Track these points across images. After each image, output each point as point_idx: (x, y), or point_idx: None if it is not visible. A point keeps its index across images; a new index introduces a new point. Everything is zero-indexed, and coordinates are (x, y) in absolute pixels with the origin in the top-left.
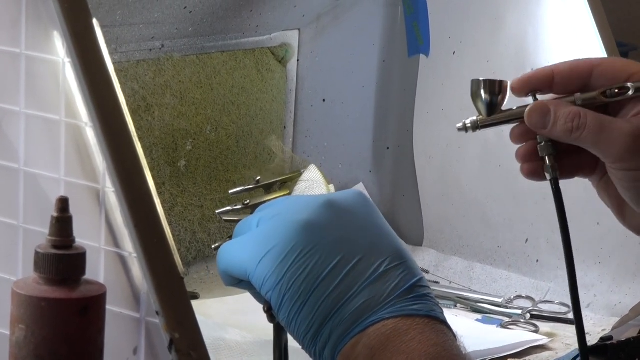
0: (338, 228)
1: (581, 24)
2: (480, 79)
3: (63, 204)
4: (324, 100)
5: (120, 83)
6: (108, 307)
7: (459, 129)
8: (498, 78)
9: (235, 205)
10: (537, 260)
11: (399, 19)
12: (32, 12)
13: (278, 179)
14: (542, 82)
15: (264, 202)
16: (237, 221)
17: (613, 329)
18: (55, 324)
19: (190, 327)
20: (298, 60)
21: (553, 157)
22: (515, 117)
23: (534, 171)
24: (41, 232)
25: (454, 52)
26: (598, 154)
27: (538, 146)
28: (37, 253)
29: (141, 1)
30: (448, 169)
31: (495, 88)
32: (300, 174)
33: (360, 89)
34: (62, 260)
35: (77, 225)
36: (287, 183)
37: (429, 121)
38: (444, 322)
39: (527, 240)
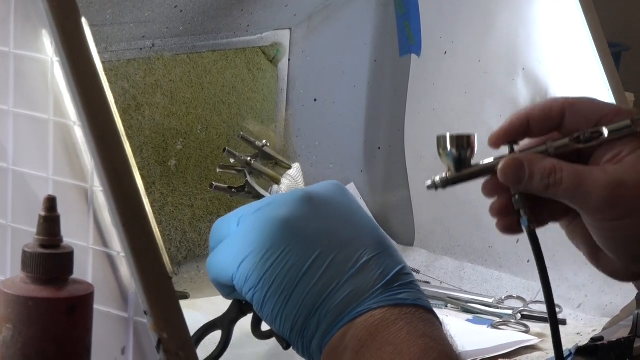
0: (317, 220)
1: (572, 24)
2: (447, 134)
3: (50, 203)
4: (315, 100)
5: (111, 82)
6: (96, 306)
7: (428, 187)
8: (465, 132)
9: (241, 156)
10: (528, 261)
11: (390, 19)
12: (21, 11)
13: (277, 156)
14: (519, 133)
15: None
16: (225, 189)
17: (604, 329)
18: (43, 324)
19: (178, 326)
20: (289, 60)
21: (529, 209)
22: (486, 171)
23: (510, 226)
24: (29, 232)
25: (446, 52)
26: (575, 207)
27: (512, 199)
28: (24, 252)
29: (132, 0)
30: (439, 169)
31: (463, 142)
32: (291, 167)
33: (352, 88)
34: (50, 259)
35: (66, 225)
36: (277, 167)
37: (421, 121)
38: (430, 311)
39: (518, 240)
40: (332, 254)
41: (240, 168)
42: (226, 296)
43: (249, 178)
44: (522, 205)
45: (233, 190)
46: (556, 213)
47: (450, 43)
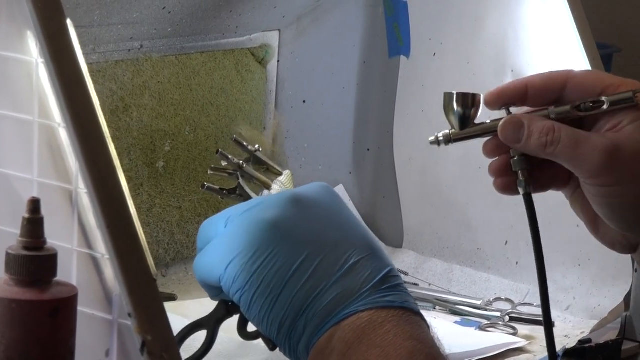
0: (305, 222)
1: (561, 26)
2: (453, 92)
3: (34, 205)
4: (304, 102)
5: (99, 83)
6: (80, 308)
7: (431, 142)
8: (472, 90)
9: (233, 159)
10: (517, 263)
11: (379, 20)
12: (5, 12)
13: (269, 162)
14: (515, 95)
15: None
16: (217, 190)
17: (592, 331)
18: (26, 326)
19: (162, 329)
20: (278, 61)
21: (526, 171)
22: (488, 130)
23: (507, 186)
24: (13, 233)
25: (435, 54)
26: (572, 169)
27: (511, 160)
28: (8, 254)
29: (119, 1)
30: (428, 171)
31: (468, 101)
32: (282, 174)
33: (341, 90)
34: (33, 261)
35: (50, 227)
36: (269, 173)
37: (410, 123)
38: (417, 313)
39: (506, 242)
40: (320, 256)
41: (232, 171)
42: (213, 297)
43: (241, 181)
44: (521, 167)
45: (224, 192)
46: (558, 180)
47: (439, 45)
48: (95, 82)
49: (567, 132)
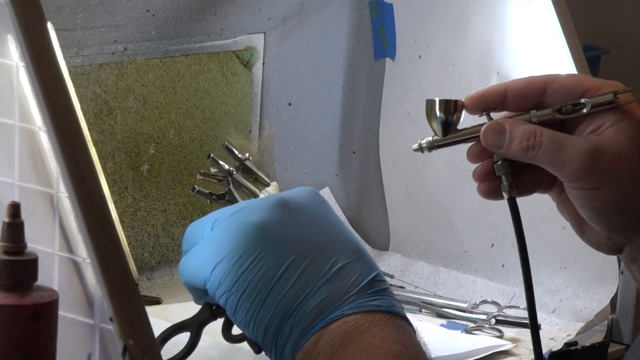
0: (292, 226)
1: (546, 28)
2: (435, 98)
3: (14, 210)
4: (289, 104)
5: (83, 87)
6: (61, 313)
7: (415, 150)
8: (456, 94)
9: (225, 166)
10: (503, 265)
11: (365, 23)
12: None
13: (257, 171)
14: (495, 100)
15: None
16: (206, 194)
17: (578, 334)
18: (7, 331)
19: (144, 333)
20: (263, 64)
21: (510, 175)
22: (471, 136)
23: (491, 191)
24: None
25: (420, 56)
26: (554, 173)
27: (494, 165)
28: None
29: (103, 4)
30: (414, 174)
31: (450, 107)
32: (269, 184)
33: (326, 92)
34: (13, 266)
35: (31, 231)
36: (257, 182)
37: (395, 125)
38: (403, 318)
39: (493, 245)
40: (306, 259)
41: (221, 177)
42: (197, 300)
43: (232, 187)
44: (504, 172)
45: (214, 197)
46: (542, 183)
47: (424, 47)
48: (79, 85)
49: (548, 135)
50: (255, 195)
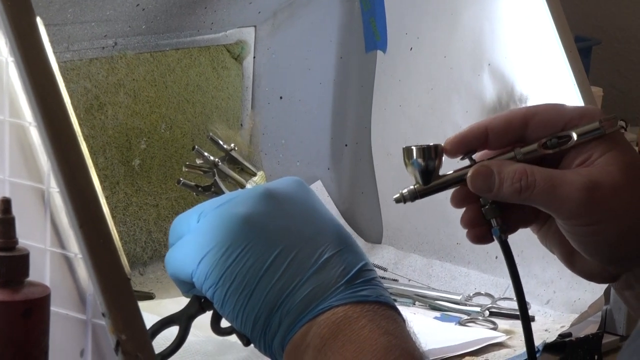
0: (279, 217)
1: (538, 20)
2: (413, 146)
3: (5, 205)
4: (281, 98)
5: (73, 82)
6: (54, 308)
7: (397, 201)
8: (430, 143)
9: (210, 157)
10: (497, 257)
11: (355, 15)
12: None
13: (243, 162)
14: (476, 141)
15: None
16: (192, 187)
17: (572, 325)
18: None
19: (137, 328)
20: (254, 58)
21: (500, 218)
22: (456, 181)
23: (481, 236)
24: None
25: (411, 48)
26: (549, 212)
27: (483, 209)
28: None
29: None
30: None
31: (430, 153)
32: (256, 174)
33: (318, 85)
34: (4, 262)
35: (22, 226)
36: (243, 173)
37: (387, 118)
38: (392, 307)
39: None
40: (293, 251)
41: (207, 169)
42: (185, 293)
43: (217, 179)
44: (493, 215)
45: (200, 189)
46: (525, 219)
47: (416, 39)
48: (69, 80)
49: (540, 174)
50: (242, 186)
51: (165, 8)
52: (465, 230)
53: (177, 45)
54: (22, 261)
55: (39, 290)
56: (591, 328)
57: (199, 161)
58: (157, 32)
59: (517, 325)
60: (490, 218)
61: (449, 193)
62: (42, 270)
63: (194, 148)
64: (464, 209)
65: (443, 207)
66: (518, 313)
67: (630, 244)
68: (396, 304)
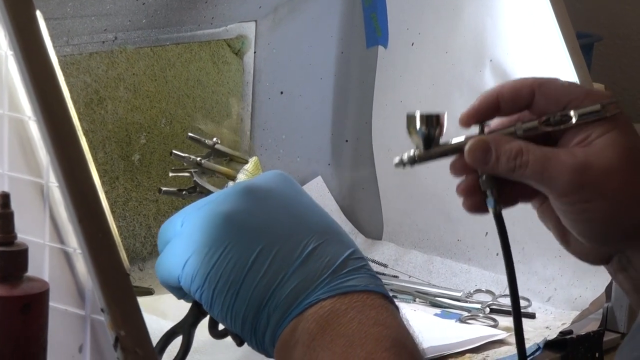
0: (259, 213)
1: (540, 15)
2: (416, 113)
3: (4, 200)
4: (281, 93)
5: (73, 76)
6: (52, 304)
7: (396, 165)
8: (434, 111)
9: (191, 157)
10: (497, 254)
11: (356, 10)
12: None
13: (230, 152)
14: (488, 111)
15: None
16: (175, 192)
17: (573, 322)
18: None
19: (136, 324)
20: (255, 52)
21: (496, 190)
22: (454, 151)
23: (476, 205)
24: None
25: (413, 44)
26: (542, 189)
27: (480, 180)
28: None
29: None
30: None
31: (432, 121)
32: (247, 162)
33: (319, 81)
34: (3, 257)
35: (21, 221)
36: (233, 162)
37: (388, 113)
38: (383, 295)
39: (487, 233)
40: (276, 246)
41: (193, 169)
42: (179, 298)
43: (197, 178)
44: (489, 186)
45: (184, 192)
46: (526, 193)
47: (417, 34)
48: (69, 74)
49: (535, 154)
50: (231, 177)
51: (166, 2)
52: (461, 200)
53: (178, 39)
54: (20, 256)
55: (37, 285)
56: (592, 325)
57: (185, 163)
58: (157, 26)
59: None
60: (486, 189)
61: (449, 188)
62: (41, 266)
63: (171, 154)
64: (460, 179)
65: (444, 204)
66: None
67: (620, 225)
68: (396, 300)
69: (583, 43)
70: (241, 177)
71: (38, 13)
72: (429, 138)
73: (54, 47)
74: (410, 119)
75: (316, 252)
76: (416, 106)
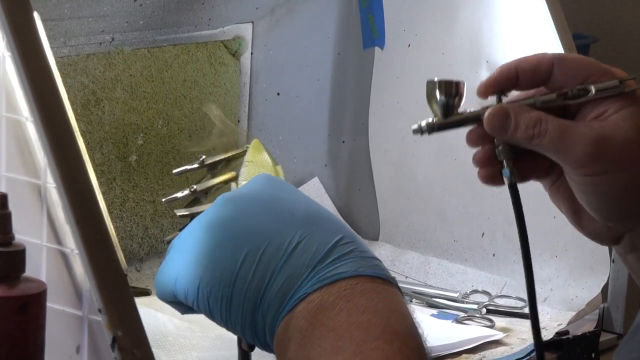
0: (241, 219)
1: (536, 16)
2: (436, 79)
3: (2, 200)
4: (278, 94)
5: (70, 77)
6: (50, 304)
7: (414, 131)
8: (454, 78)
9: (184, 191)
10: (494, 255)
11: (353, 12)
12: None
13: (222, 157)
14: (507, 82)
15: (211, 187)
16: (192, 215)
17: (569, 323)
18: None
19: (133, 324)
20: (252, 54)
21: (512, 161)
22: (473, 119)
23: (491, 176)
24: None
25: (409, 45)
26: (558, 160)
27: (496, 150)
28: None
29: None
30: (404, 163)
31: (452, 89)
32: (245, 152)
33: (315, 82)
34: (1, 257)
35: (19, 222)
36: (232, 162)
37: (385, 114)
38: (375, 277)
39: (483, 234)
40: (261, 248)
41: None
42: (184, 313)
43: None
44: (505, 157)
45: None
46: (539, 170)
47: (413, 36)
48: (66, 75)
49: (553, 123)
50: (233, 178)
51: (163, 3)
52: (477, 170)
53: (175, 41)
54: (18, 257)
55: (35, 285)
56: (588, 326)
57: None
58: (154, 27)
59: (514, 323)
60: (502, 159)
61: (446, 189)
62: (39, 266)
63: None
64: (477, 149)
65: (440, 205)
66: (515, 311)
67: (636, 199)
68: None
69: (579, 44)
70: (244, 170)
71: (35, 14)
72: (448, 106)
73: (52, 48)
74: (430, 86)
75: (301, 246)
76: (412, 108)
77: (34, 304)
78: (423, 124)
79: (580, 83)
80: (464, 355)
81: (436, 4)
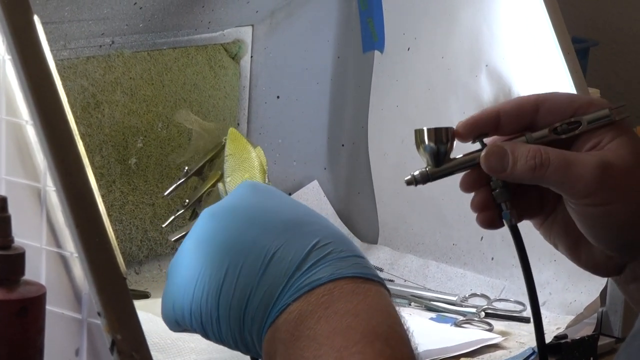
0: (221, 234)
1: (536, 21)
2: (424, 128)
3: (1, 204)
4: (278, 97)
5: (70, 80)
6: (49, 308)
7: (408, 183)
8: (443, 125)
9: (178, 212)
10: (493, 258)
11: (353, 15)
12: None
13: (204, 161)
14: (488, 125)
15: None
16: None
17: (568, 327)
18: None
19: (132, 328)
20: (251, 57)
21: (510, 202)
22: (468, 164)
23: (490, 220)
24: None
25: (409, 48)
26: (563, 192)
27: (493, 193)
28: None
29: None
30: (403, 166)
31: (442, 136)
32: (223, 146)
33: (315, 85)
34: (1, 260)
35: (18, 225)
36: (215, 161)
37: (384, 118)
38: (353, 278)
39: (482, 238)
40: (240, 261)
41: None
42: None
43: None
44: (503, 199)
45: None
46: (531, 209)
47: (413, 39)
48: (66, 78)
49: (554, 153)
50: (218, 180)
51: (163, 6)
52: (475, 215)
53: (175, 44)
54: (18, 260)
55: (34, 289)
56: (587, 330)
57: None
58: (154, 30)
59: (512, 327)
60: (501, 202)
61: (445, 193)
62: (38, 269)
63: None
64: (473, 195)
65: (439, 208)
66: (513, 315)
67: (639, 228)
68: None
69: (579, 48)
70: (226, 166)
71: (35, 17)
72: (439, 154)
73: (51, 51)
74: (419, 134)
75: (277, 255)
76: (412, 111)
77: (33, 307)
78: (416, 173)
79: (568, 118)
80: (462, 359)
81: (436, 8)
